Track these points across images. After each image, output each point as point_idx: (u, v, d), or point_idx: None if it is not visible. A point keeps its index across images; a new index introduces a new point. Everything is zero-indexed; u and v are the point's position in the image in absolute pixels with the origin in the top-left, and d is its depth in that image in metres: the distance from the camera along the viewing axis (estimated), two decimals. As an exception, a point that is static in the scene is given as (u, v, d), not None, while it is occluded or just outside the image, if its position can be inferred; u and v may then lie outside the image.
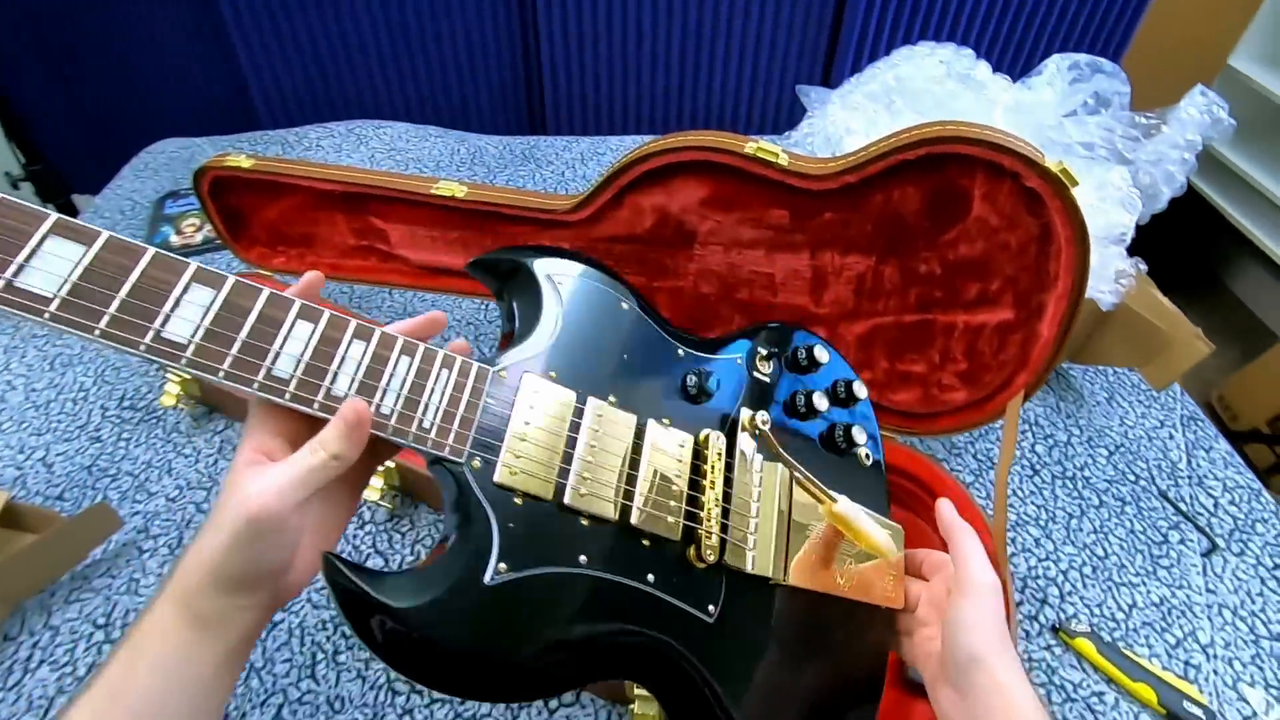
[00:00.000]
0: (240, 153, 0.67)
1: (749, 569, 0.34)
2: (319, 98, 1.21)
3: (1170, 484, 0.63)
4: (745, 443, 0.37)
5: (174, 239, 0.89)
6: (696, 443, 0.36)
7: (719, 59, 1.22)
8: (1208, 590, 0.55)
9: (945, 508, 0.38)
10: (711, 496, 0.34)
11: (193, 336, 0.26)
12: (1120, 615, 0.53)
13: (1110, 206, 0.58)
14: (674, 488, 0.34)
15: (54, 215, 0.25)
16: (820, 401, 0.40)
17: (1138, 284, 0.63)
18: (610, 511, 0.32)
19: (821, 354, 0.42)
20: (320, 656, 0.49)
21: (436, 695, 0.48)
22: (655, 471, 0.33)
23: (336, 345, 0.28)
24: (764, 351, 0.41)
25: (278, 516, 0.25)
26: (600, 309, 0.36)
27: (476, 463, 0.30)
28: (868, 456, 0.41)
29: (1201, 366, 1.60)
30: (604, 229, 0.55)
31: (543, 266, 0.36)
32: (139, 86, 1.23)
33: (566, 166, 1.07)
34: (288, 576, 0.28)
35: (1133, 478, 0.64)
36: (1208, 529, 0.59)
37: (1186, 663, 0.51)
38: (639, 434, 0.34)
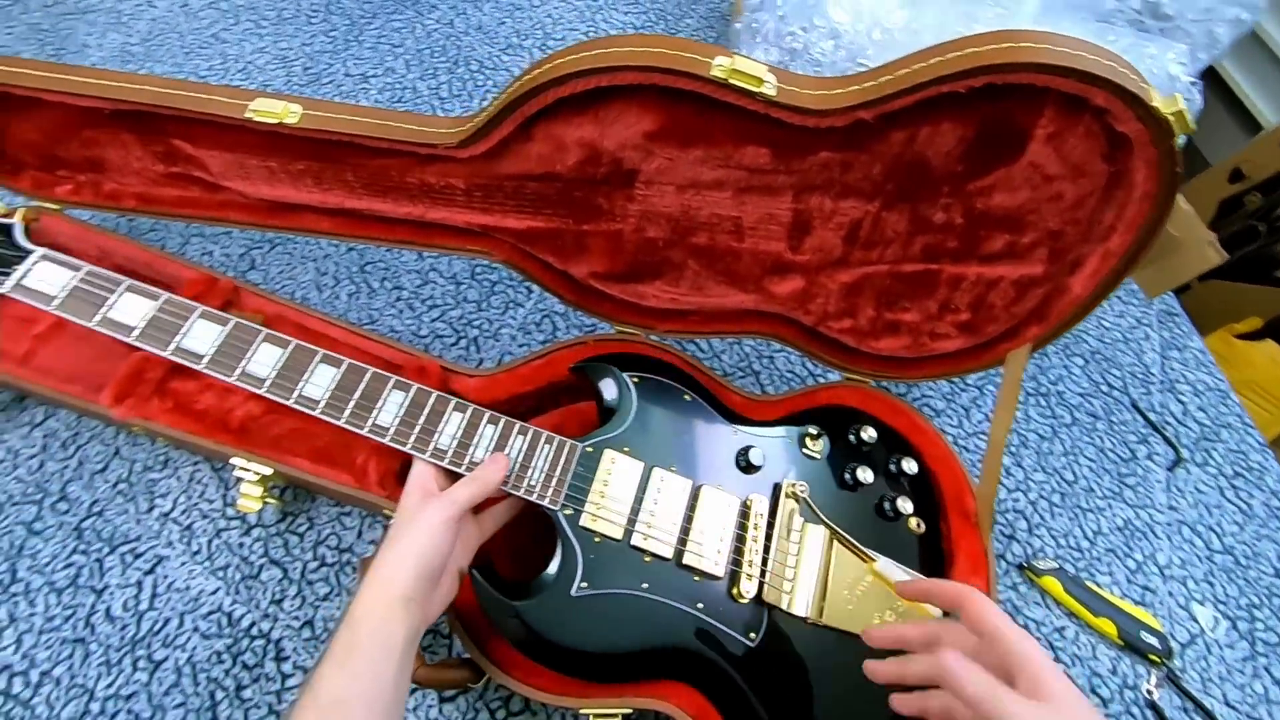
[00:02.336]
0: None
1: (784, 607, 0.42)
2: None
3: (1143, 392, 0.63)
4: (787, 506, 0.45)
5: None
6: (743, 505, 0.45)
7: None
8: (1169, 508, 0.57)
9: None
10: (752, 546, 0.44)
11: (393, 423, 0.43)
12: (1085, 544, 0.55)
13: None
14: (721, 536, 0.44)
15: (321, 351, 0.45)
16: (865, 475, 0.47)
17: None
18: (667, 552, 0.43)
19: (869, 434, 0.48)
20: (220, 695, 0.45)
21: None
22: (706, 523, 0.44)
23: (477, 429, 0.44)
24: (814, 431, 0.48)
25: (454, 522, 0.38)
26: (666, 400, 0.48)
27: (568, 510, 0.43)
28: (919, 525, 0.46)
29: None
30: (509, 166, 0.43)
31: (624, 371, 0.48)
32: None
33: (454, 11, 0.86)
34: (442, 582, 0.39)
35: (1106, 388, 0.63)
36: (1175, 440, 0.60)
37: (1145, 587, 0.53)
38: (694, 495, 0.45)
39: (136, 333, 0.44)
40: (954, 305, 0.45)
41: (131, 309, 0.44)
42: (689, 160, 0.39)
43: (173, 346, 0.44)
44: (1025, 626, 0.51)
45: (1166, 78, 0.49)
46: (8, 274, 0.44)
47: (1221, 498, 0.58)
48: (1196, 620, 0.52)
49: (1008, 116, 0.35)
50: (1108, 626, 0.50)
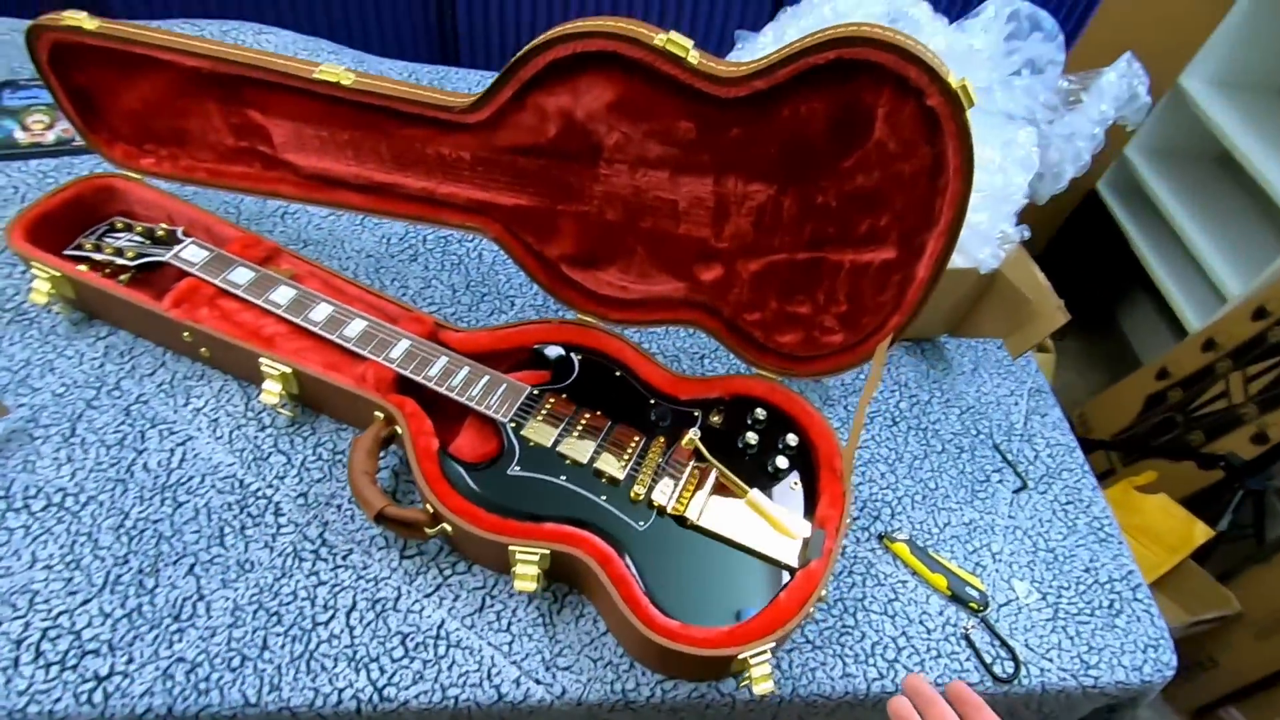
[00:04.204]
0: (82, 12, 0.77)
1: (670, 510, 0.71)
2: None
3: (1005, 440, 0.97)
4: (684, 449, 0.76)
5: (19, 136, 1.05)
6: (648, 439, 0.77)
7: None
8: (1009, 517, 0.88)
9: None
10: (649, 466, 0.74)
11: (400, 357, 0.79)
12: (935, 530, 0.84)
13: (1011, 165, 0.84)
14: (627, 455, 0.75)
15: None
16: (752, 439, 0.78)
17: (1018, 255, 0.91)
18: (584, 459, 0.73)
19: (761, 413, 0.80)
20: (227, 530, 0.71)
21: (341, 561, 0.71)
22: (615, 445, 0.75)
23: (459, 368, 0.80)
24: (718, 408, 0.80)
25: None
26: (600, 373, 0.83)
27: (513, 424, 0.75)
28: (795, 485, 0.76)
29: (1072, 388, 2.14)
30: (506, 136, 0.75)
31: (571, 350, 0.84)
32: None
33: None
34: None
35: (975, 432, 0.96)
36: (1024, 474, 0.93)
37: (977, 564, 0.82)
38: (611, 428, 0.77)
39: (242, 289, 0.81)
40: (836, 296, 0.76)
41: (240, 275, 0.83)
42: (639, 135, 0.70)
43: (265, 299, 0.81)
44: (875, 576, 0.79)
45: (1018, 146, 0.81)
46: (169, 249, 0.84)
47: (1054, 515, 0.89)
48: (1014, 590, 0.81)
49: (858, 96, 0.61)
50: (939, 581, 0.79)
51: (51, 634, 0.63)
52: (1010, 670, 0.74)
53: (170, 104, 0.84)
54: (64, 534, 0.69)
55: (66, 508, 0.70)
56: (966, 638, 0.75)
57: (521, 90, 0.71)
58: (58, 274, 0.80)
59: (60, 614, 0.64)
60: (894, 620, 0.76)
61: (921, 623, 0.76)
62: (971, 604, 0.78)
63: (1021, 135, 0.89)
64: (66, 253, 0.84)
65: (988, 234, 0.87)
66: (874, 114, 0.64)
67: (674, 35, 0.64)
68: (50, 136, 1.07)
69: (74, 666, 0.61)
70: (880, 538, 0.82)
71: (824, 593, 0.68)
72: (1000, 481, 0.91)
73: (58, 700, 0.60)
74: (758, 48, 0.97)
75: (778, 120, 0.68)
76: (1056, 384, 2.32)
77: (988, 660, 0.74)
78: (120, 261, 0.84)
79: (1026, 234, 0.91)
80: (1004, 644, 0.76)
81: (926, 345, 1.05)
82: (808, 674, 0.71)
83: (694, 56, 0.64)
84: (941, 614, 0.77)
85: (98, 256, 0.84)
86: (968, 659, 0.74)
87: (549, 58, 0.68)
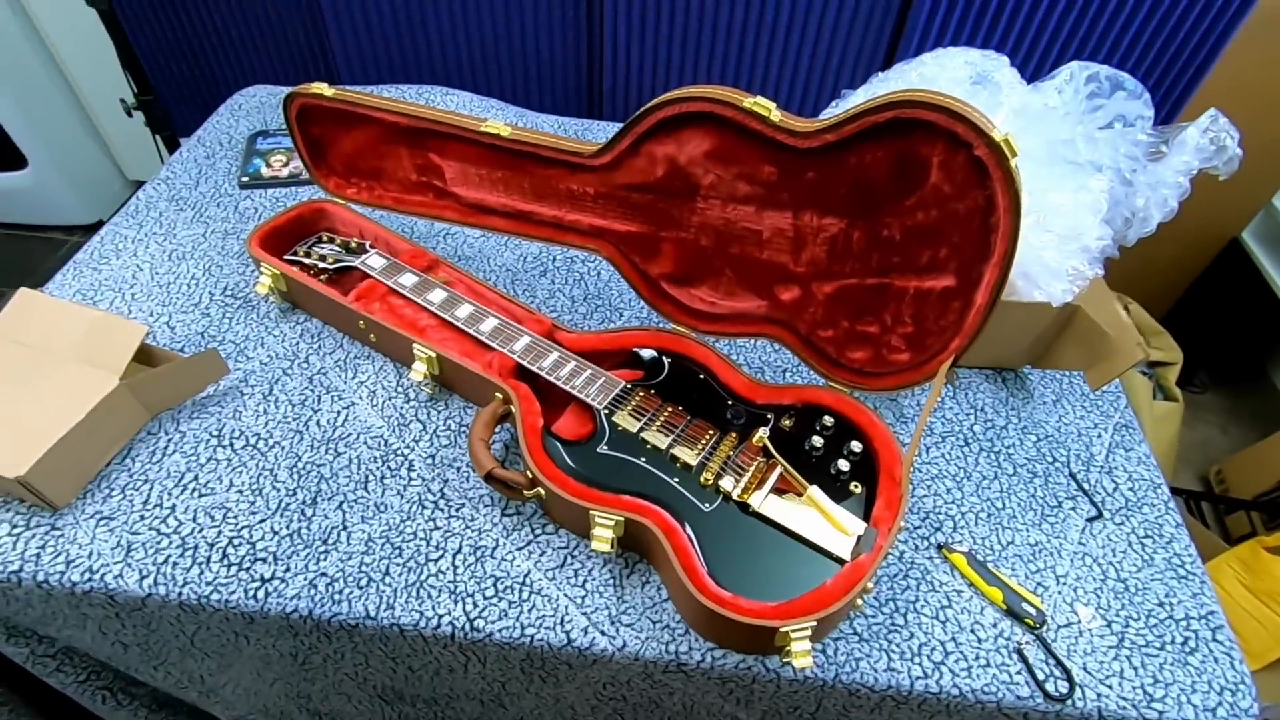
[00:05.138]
0: (324, 83, 0.95)
1: (735, 495, 0.72)
2: (394, 59, 1.57)
3: (1083, 470, 0.89)
4: (754, 445, 0.77)
5: (264, 170, 1.24)
6: (721, 433, 0.78)
7: (777, 55, 1.51)
8: (1079, 543, 0.81)
9: None
10: (719, 455, 0.76)
11: (520, 350, 0.87)
12: (998, 547, 0.80)
13: (1080, 209, 0.81)
14: (701, 445, 0.77)
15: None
16: (818, 442, 0.77)
17: (1100, 293, 0.87)
18: (662, 445, 0.76)
19: (828, 420, 0.80)
20: (371, 478, 0.80)
21: (455, 512, 0.78)
22: (692, 436, 0.77)
23: (567, 361, 0.85)
24: (789, 413, 0.80)
25: None
26: (685, 375, 0.86)
27: (606, 410, 0.79)
28: (856, 487, 0.75)
29: (1212, 444, 1.91)
30: (622, 176, 0.82)
31: (663, 353, 0.88)
32: (232, 35, 1.62)
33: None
34: None
35: (1051, 459, 0.90)
36: (1100, 504, 0.85)
37: (1039, 584, 0.77)
38: (689, 421, 0.79)
39: (407, 290, 0.92)
40: (902, 317, 0.76)
41: (407, 279, 0.93)
42: (730, 176, 0.75)
43: (423, 298, 0.91)
44: (929, 582, 0.76)
45: (1087, 192, 0.78)
46: (359, 257, 0.96)
47: (1129, 547, 0.81)
48: (1077, 614, 0.74)
49: (915, 148, 0.65)
50: (995, 594, 0.74)
51: (235, 542, 0.74)
52: (1064, 690, 0.68)
53: (374, 149, 0.98)
54: (254, 468, 0.80)
55: (258, 448, 0.82)
56: (1019, 652, 0.71)
57: (637, 141, 0.79)
58: (277, 273, 0.95)
59: (243, 528, 0.75)
60: (944, 626, 0.72)
61: (973, 632, 0.72)
62: (1027, 620, 0.73)
63: (1093, 182, 0.85)
64: (286, 257, 0.99)
65: (1058, 270, 0.83)
66: (930, 162, 0.67)
67: (760, 99, 0.71)
68: (284, 172, 1.26)
69: (247, 569, 0.72)
70: (939, 548, 0.79)
71: (870, 585, 0.67)
72: (1073, 509, 0.85)
73: (232, 593, 0.70)
74: (849, 105, 0.99)
75: (847, 166, 0.71)
76: (1193, 438, 2.08)
77: (1040, 677, 0.69)
78: (322, 265, 0.97)
79: (1100, 271, 0.86)
80: (1059, 663, 0.70)
81: (1009, 374, 1.00)
82: (852, 663, 0.69)
83: (776, 115, 0.71)
84: (995, 626, 0.73)
85: (306, 261, 0.98)
86: (1018, 672, 0.69)
87: (659, 116, 0.76)
